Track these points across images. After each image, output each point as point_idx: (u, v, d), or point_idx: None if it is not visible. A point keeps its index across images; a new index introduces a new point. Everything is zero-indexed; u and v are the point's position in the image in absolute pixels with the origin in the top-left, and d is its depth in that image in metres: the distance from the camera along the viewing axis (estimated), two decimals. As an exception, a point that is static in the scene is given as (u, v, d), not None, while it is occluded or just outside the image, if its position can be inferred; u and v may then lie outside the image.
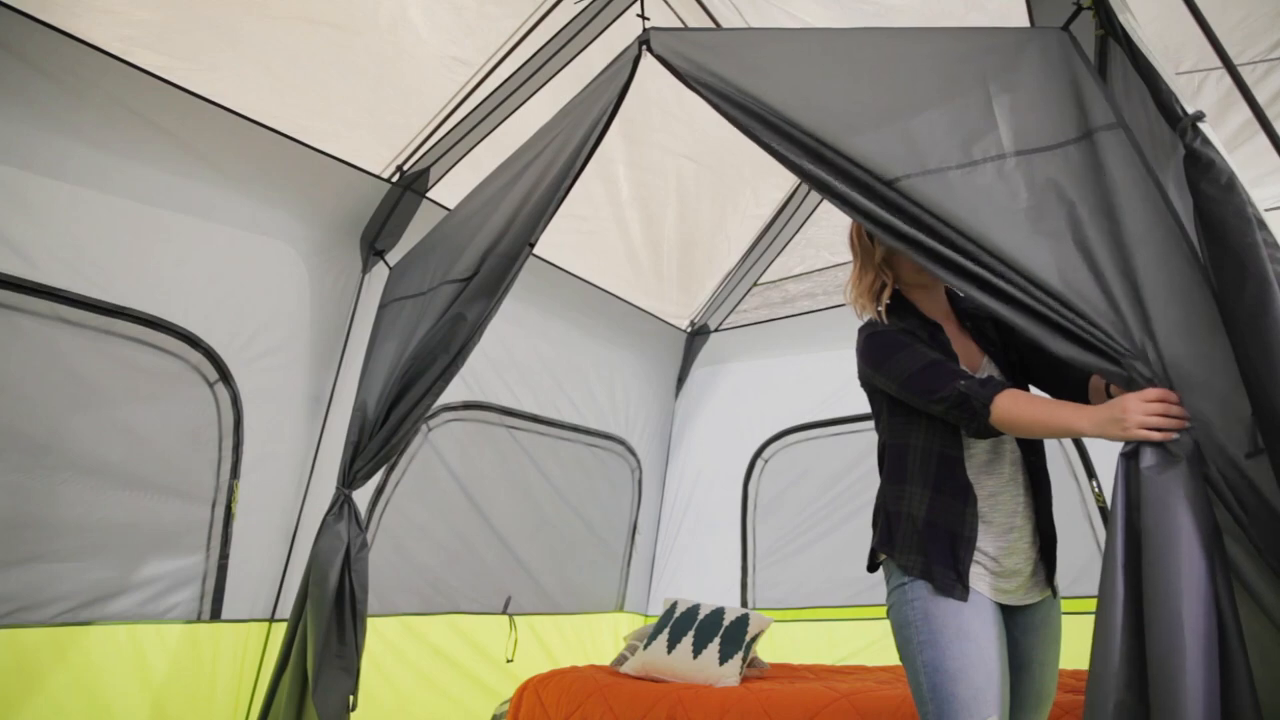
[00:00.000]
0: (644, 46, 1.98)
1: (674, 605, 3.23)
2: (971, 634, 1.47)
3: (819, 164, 1.61)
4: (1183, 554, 1.16)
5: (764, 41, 1.93)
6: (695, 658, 2.91)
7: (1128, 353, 1.31)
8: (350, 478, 2.45)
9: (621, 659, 3.27)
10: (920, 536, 1.55)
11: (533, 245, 2.24)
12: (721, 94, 1.77)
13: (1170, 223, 1.33)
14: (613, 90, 2.07)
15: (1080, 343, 1.35)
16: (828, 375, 3.72)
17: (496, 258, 2.26)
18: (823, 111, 1.65)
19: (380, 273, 2.99)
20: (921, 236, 1.49)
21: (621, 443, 4.17)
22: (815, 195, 3.51)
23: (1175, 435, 1.25)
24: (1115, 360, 1.32)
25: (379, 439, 2.40)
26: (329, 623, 2.28)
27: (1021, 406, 1.45)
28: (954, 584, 1.50)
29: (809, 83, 1.72)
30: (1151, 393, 1.28)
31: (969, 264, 1.44)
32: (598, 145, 2.11)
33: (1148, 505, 1.22)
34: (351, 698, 2.30)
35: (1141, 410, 1.27)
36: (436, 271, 2.49)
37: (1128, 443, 1.29)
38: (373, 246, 3.03)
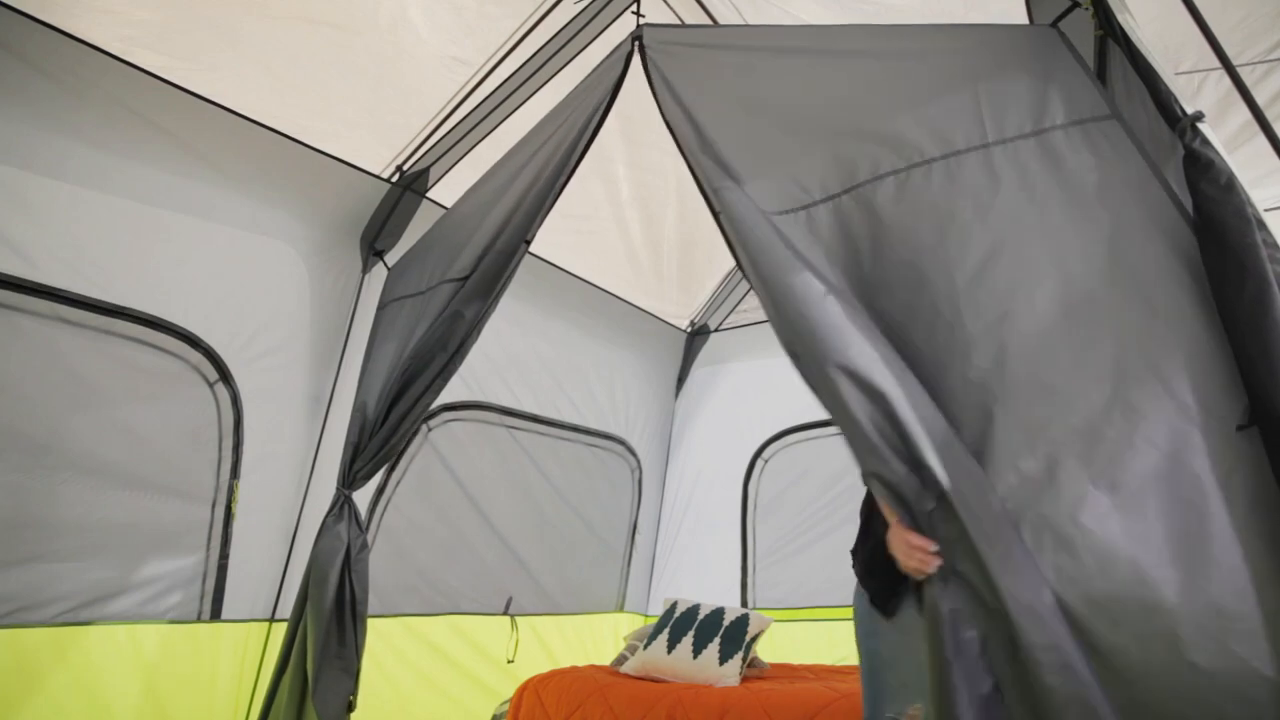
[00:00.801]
0: (637, 43, 1.99)
1: (674, 605, 3.23)
2: (908, 627, 1.54)
3: (716, 197, 1.68)
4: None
5: (753, 39, 1.94)
6: (695, 658, 2.91)
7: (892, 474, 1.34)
8: (350, 478, 2.45)
9: (621, 659, 3.27)
10: (873, 559, 1.62)
11: (529, 242, 2.24)
12: (675, 117, 1.83)
13: (1166, 209, 1.33)
14: (605, 86, 2.08)
15: (860, 447, 1.37)
16: (828, 375, 3.72)
17: (493, 255, 2.27)
18: (754, 136, 1.71)
19: (380, 273, 3.00)
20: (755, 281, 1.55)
21: (621, 443, 4.17)
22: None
23: (926, 573, 1.32)
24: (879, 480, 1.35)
25: (379, 439, 2.40)
26: (329, 623, 2.28)
27: None
28: (887, 602, 1.60)
29: (777, 90, 1.75)
30: (903, 532, 1.36)
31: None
32: (592, 141, 2.12)
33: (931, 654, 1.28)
34: (352, 698, 2.31)
35: (895, 548, 1.38)
36: (435, 271, 2.49)
37: None
38: (372, 246, 3.03)
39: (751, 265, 1.57)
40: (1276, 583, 1.16)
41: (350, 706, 2.30)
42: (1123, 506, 1.25)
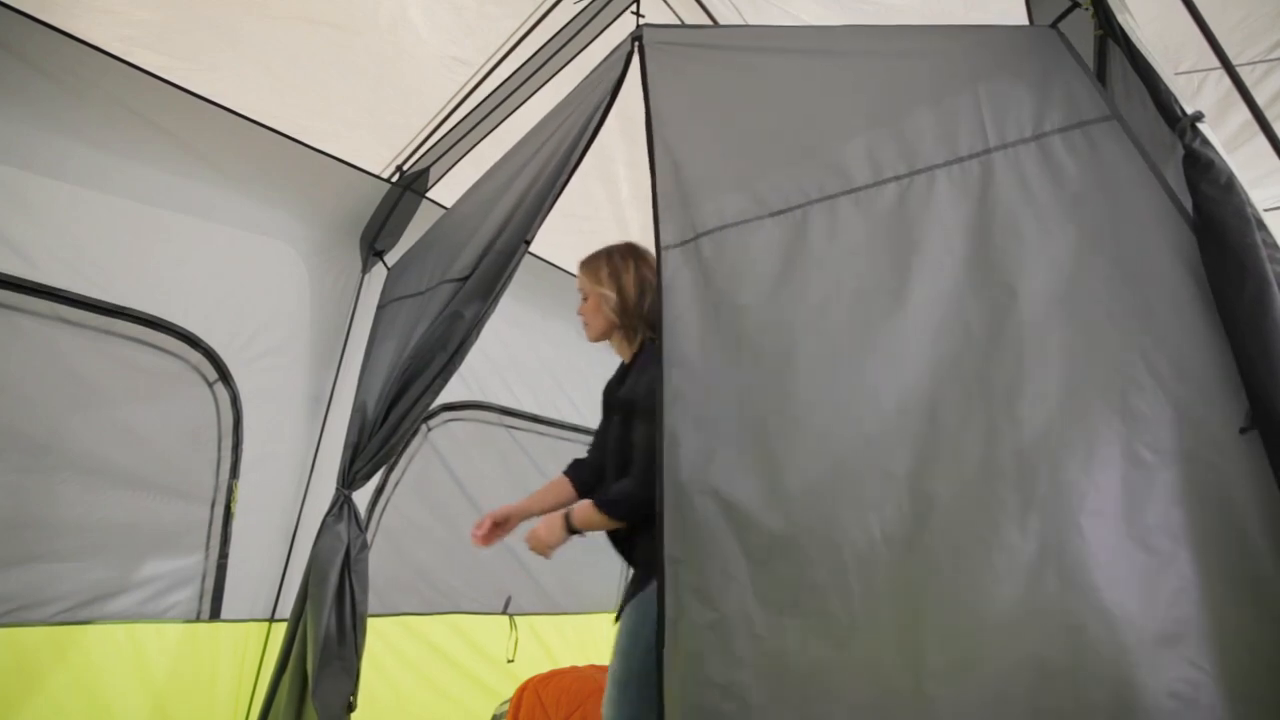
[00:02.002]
0: (636, 43, 1.99)
1: (674, 605, 3.23)
2: None
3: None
4: None
5: (752, 39, 1.95)
6: (695, 658, 2.91)
7: None
8: (350, 478, 2.45)
9: (621, 659, 3.26)
10: None
11: (529, 242, 2.24)
12: (665, 124, 1.89)
13: (1166, 210, 1.33)
14: (605, 86, 2.08)
15: None
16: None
17: (493, 255, 2.26)
18: (750, 138, 1.77)
19: (380, 273, 3.00)
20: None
21: (621, 443, 4.16)
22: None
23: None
24: None
25: (378, 439, 2.40)
26: (329, 623, 2.28)
27: None
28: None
29: (776, 91, 1.77)
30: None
31: None
32: (592, 142, 2.12)
33: None
34: (351, 698, 2.30)
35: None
36: (434, 271, 2.49)
37: None
38: (372, 247, 3.03)
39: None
40: (1243, 595, 1.17)
41: (350, 707, 2.30)
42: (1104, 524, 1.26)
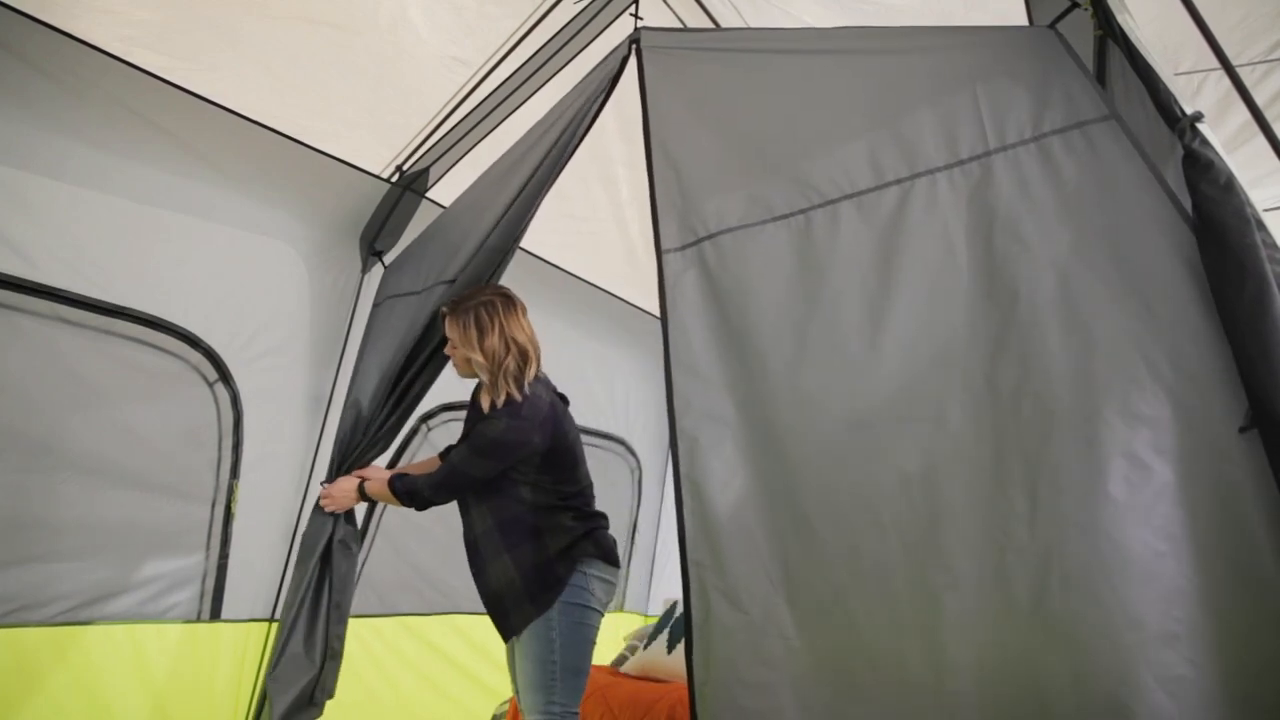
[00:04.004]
0: (634, 46, 2.00)
1: (674, 605, 3.23)
2: None
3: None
4: None
5: (751, 42, 1.95)
6: (695, 658, 2.91)
7: None
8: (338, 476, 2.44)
9: (621, 659, 3.27)
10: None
11: (518, 241, 2.25)
12: (661, 130, 1.89)
13: (1165, 210, 1.34)
14: (598, 86, 2.08)
15: None
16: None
17: (484, 254, 2.28)
18: (748, 141, 1.78)
19: (380, 273, 3.00)
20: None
21: (621, 443, 4.17)
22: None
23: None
24: None
25: (367, 436, 2.40)
26: (299, 608, 2.26)
27: None
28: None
29: (775, 94, 1.78)
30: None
31: None
32: (582, 141, 2.13)
33: None
34: (315, 692, 2.24)
35: None
36: (430, 271, 2.50)
37: None
38: (372, 246, 3.03)
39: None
40: (1244, 595, 1.18)
41: (312, 700, 2.24)
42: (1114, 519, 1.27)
